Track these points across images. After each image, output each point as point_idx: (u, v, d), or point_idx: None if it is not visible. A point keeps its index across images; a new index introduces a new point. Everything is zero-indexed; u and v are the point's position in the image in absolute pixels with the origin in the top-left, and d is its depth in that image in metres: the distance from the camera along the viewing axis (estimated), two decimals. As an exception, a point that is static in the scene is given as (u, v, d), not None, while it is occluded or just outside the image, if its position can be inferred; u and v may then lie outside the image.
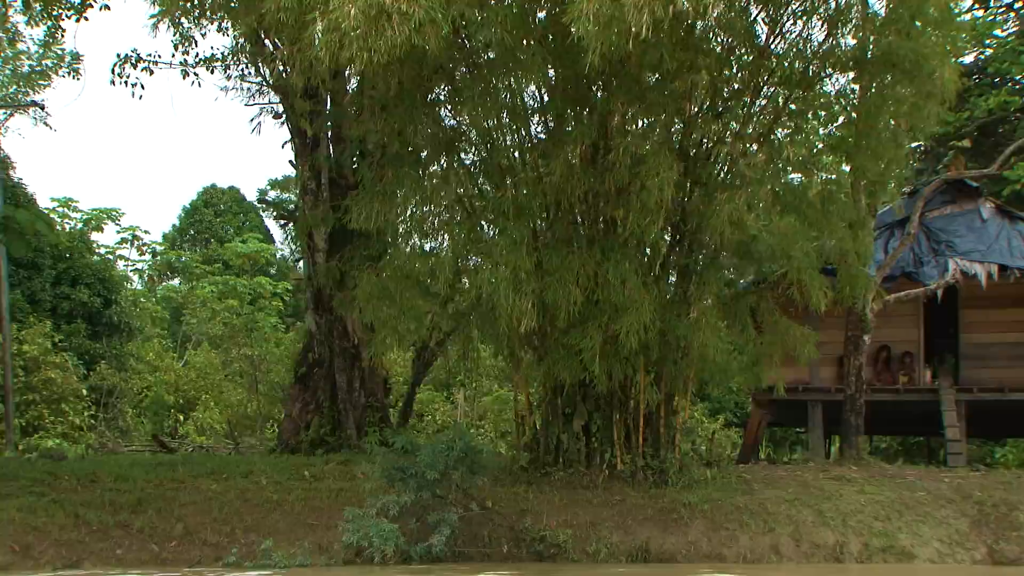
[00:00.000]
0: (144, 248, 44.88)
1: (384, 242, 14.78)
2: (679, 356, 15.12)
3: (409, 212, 13.97)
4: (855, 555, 14.67)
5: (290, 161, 18.32)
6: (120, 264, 43.28)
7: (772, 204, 14.73)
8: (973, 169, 21.83)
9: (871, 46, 14.38)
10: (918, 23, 14.07)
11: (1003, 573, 14.18)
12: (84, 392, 28.02)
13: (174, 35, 16.97)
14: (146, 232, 44.94)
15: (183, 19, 15.51)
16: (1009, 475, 16.94)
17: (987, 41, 28.61)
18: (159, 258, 45.89)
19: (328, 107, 18.14)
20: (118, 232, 43.67)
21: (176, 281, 45.87)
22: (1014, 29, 28.86)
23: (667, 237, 15.27)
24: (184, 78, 19.44)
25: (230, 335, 35.53)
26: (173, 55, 18.96)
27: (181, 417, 32.68)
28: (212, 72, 18.45)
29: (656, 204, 13.66)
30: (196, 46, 18.32)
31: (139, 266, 45.19)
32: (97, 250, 41.68)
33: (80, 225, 39.66)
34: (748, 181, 13.97)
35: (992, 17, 28.99)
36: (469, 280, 14.40)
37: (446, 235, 14.59)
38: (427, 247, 14.89)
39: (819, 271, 15.10)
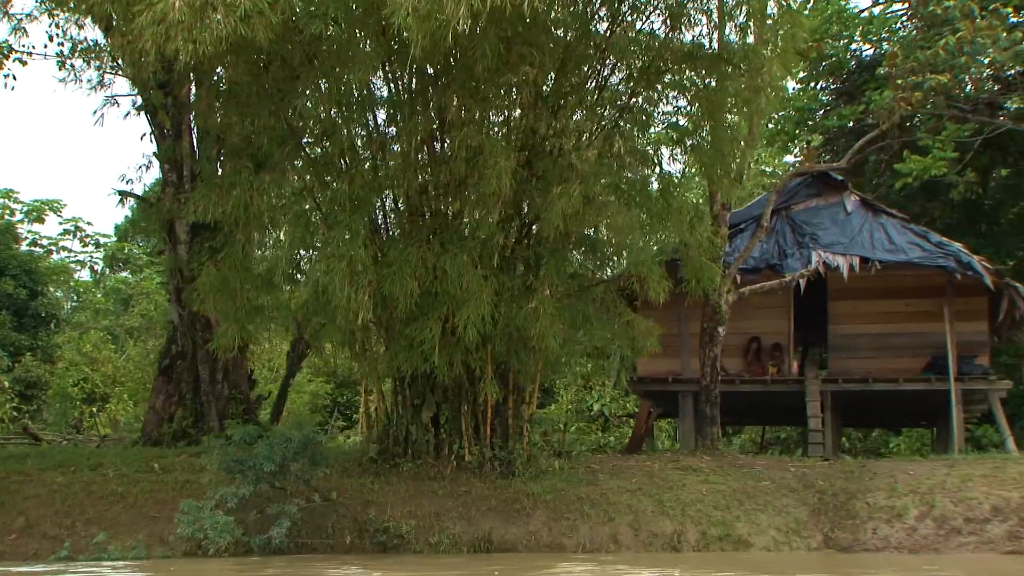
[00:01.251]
0: (87, 239, 44.59)
1: (225, 235, 14.77)
2: (523, 348, 15.19)
3: (245, 204, 13.92)
4: (692, 544, 14.88)
5: (153, 153, 18.24)
6: (62, 255, 43.18)
7: (611, 198, 14.83)
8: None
9: (706, 41, 14.52)
10: (751, 20, 14.23)
11: (832, 560, 14.41)
12: (7, 384, 27.86)
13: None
14: (89, 223, 44.75)
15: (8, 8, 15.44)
16: (854, 464, 17.21)
17: (884, 35, 28.99)
18: (103, 250, 45.58)
19: (191, 99, 18.06)
20: (60, 224, 43.47)
21: (127, 273, 45.64)
22: (910, 24, 29.24)
23: (506, 230, 15.32)
24: (60, 69, 19.29)
25: (147, 327, 35.50)
26: (46, 45, 18.84)
27: (94, 410, 32.44)
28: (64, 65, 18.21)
29: (492, 197, 13.78)
30: (27, 36, 18.12)
31: (80, 257, 44.87)
32: (40, 241, 41.59)
33: (21, 216, 39.49)
34: (581, 175, 14.03)
35: (889, 11, 29.33)
36: (307, 273, 14.42)
37: (284, 228, 14.58)
38: (267, 240, 14.88)
39: (666, 264, 15.28)
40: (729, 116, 15.08)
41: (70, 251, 43.93)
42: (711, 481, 16.14)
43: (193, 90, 17.63)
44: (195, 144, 18.19)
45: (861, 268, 19.12)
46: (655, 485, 15.90)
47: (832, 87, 29.75)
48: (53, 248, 42.55)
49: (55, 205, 41.85)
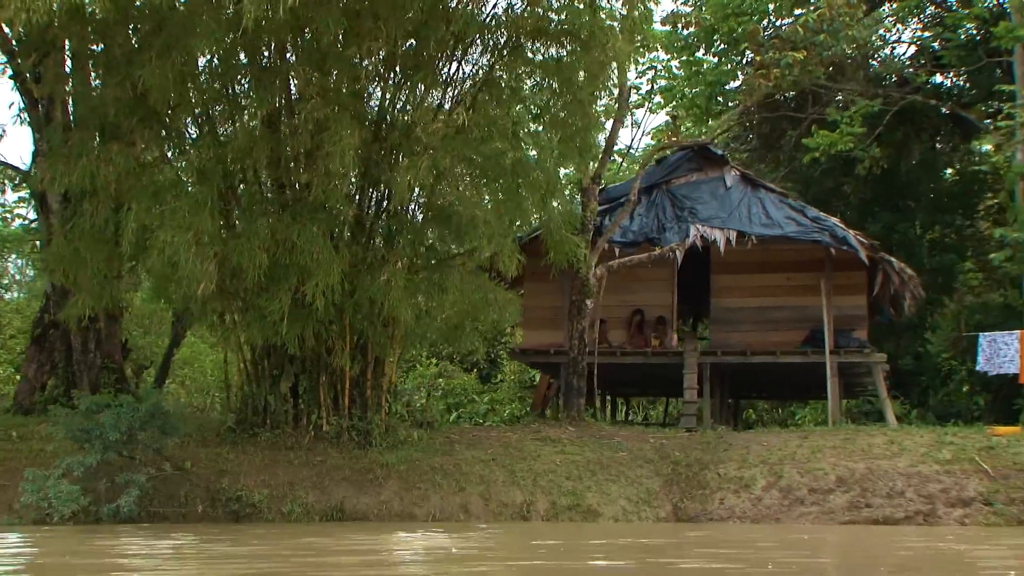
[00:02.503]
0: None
1: (73, 206, 14.76)
2: (378, 320, 15.30)
3: (91, 175, 13.92)
4: (541, 513, 15.07)
5: (27, 122, 18.14)
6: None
7: (464, 171, 14.91)
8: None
9: (555, 16, 14.58)
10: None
11: (671, 529, 14.60)
12: None
13: None
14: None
15: None
16: (712, 436, 17.41)
17: (797, 11, 29.05)
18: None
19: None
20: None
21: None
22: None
23: (360, 202, 15.39)
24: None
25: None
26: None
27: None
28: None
29: (339, 169, 13.82)
30: None
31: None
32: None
33: None
34: (430, 148, 14.10)
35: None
36: (154, 243, 14.43)
37: (132, 198, 14.56)
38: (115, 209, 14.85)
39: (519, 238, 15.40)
40: (583, 91, 15.08)
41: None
42: (567, 452, 16.33)
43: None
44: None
45: (738, 242, 19.31)
46: (510, 456, 16.08)
47: (745, 61, 29.84)
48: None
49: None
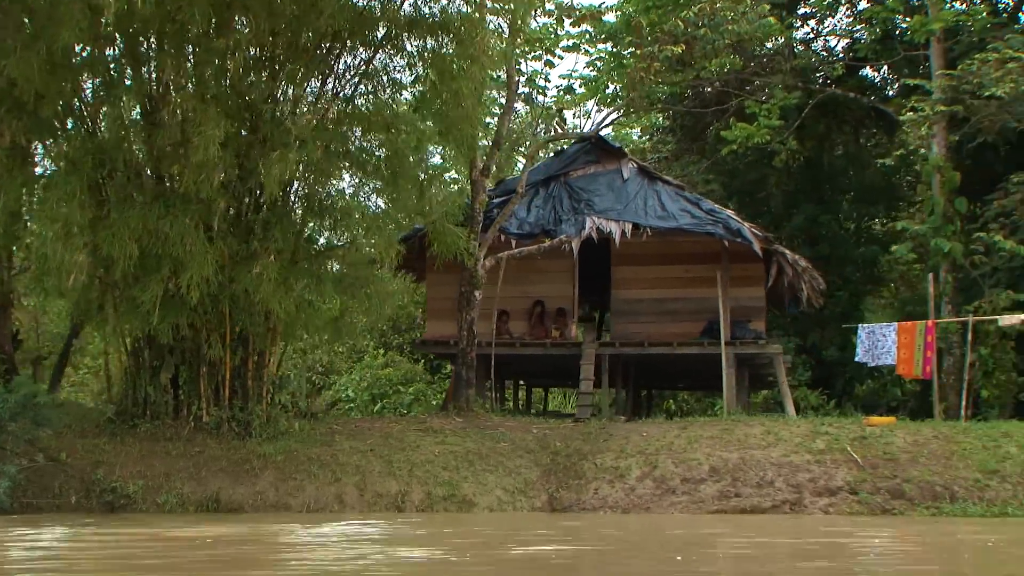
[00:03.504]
0: None
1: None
2: (255, 312, 15.34)
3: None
4: (416, 503, 15.16)
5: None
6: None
7: (340, 163, 14.96)
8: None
9: (427, 9, 14.66)
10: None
11: (540, 518, 14.72)
12: None
13: None
14: None
15: None
16: (594, 426, 17.55)
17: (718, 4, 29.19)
18: None
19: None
20: None
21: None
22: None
23: (235, 193, 15.40)
24: None
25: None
26: None
27: None
28: None
29: (209, 161, 13.85)
30: None
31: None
32: None
33: None
34: (300, 139, 14.15)
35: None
36: (23, 234, 14.43)
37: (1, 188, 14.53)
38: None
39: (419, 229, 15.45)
40: (459, 83, 15.15)
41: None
42: (447, 442, 16.43)
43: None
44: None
45: (633, 234, 19.44)
46: (389, 446, 16.15)
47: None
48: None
49: None
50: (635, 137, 37.53)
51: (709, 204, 19.87)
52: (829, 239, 31.26)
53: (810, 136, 30.35)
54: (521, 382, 27.19)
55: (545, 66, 29.51)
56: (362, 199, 15.23)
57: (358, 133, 15.35)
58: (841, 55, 31.03)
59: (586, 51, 24.82)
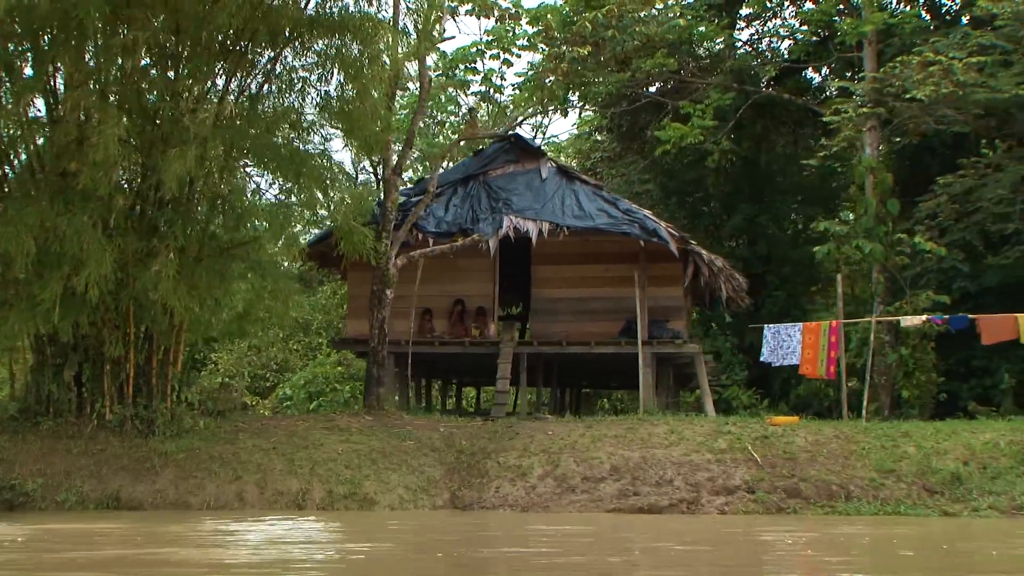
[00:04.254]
0: None
1: None
2: (158, 310, 15.30)
3: None
4: (317, 501, 15.19)
5: None
6: None
7: (242, 160, 14.96)
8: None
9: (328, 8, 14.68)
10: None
11: (438, 517, 14.76)
12: None
13: None
14: None
15: None
16: (501, 425, 17.63)
17: (658, 6, 29.34)
18: None
19: None
20: None
21: None
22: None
23: (137, 191, 15.38)
24: None
25: None
26: None
27: None
28: None
29: (108, 159, 13.81)
30: None
31: None
32: None
33: None
34: (199, 137, 14.14)
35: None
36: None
37: None
38: None
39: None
40: (362, 82, 15.19)
41: None
42: (352, 441, 16.46)
43: None
44: None
45: (550, 233, 19.53)
46: (292, 444, 16.17)
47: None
48: None
49: None
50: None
51: (626, 204, 19.98)
52: (767, 239, 31.50)
53: (748, 137, 30.54)
54: (455, 381, 27.27)
55: (503, 64, 29.71)
56: (267, 197, 15.17)
57: (262, 131, 15.26)
58: (786, 56, 31.29)
59: (542, 50, 24.82)
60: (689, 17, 28.29)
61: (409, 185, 21.40)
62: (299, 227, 15.71)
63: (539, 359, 20.98)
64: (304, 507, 15.10)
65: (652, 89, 29.67)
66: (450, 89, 32.71)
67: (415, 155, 28.40)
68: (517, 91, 27.09)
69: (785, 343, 18.36)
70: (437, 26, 17.70)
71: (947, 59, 21.90)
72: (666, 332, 20.09)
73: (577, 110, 31.55)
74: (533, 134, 41.45)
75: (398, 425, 17.39)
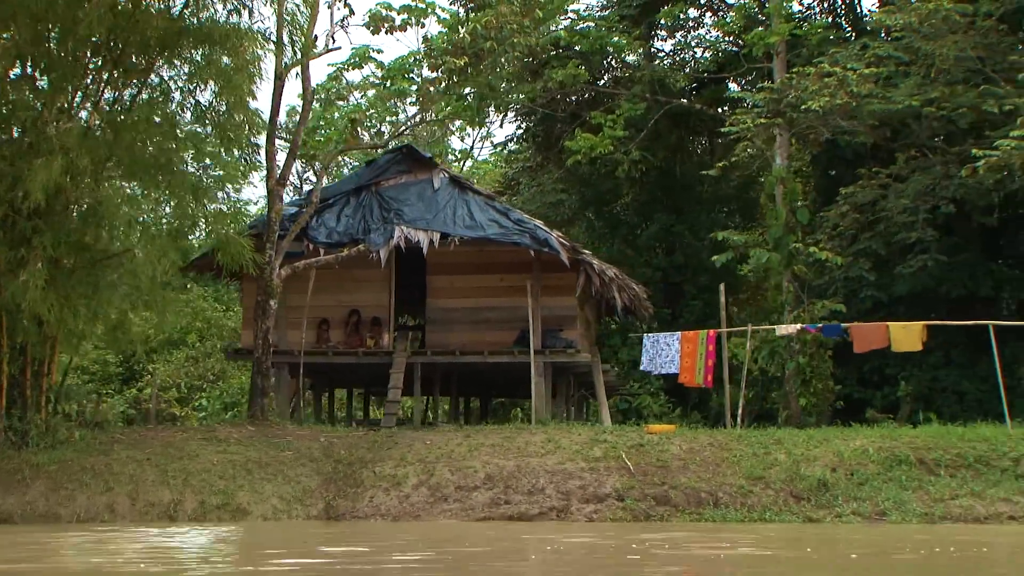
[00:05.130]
0: None
1: None
2: (30, 320, 15.22)
3: None
4: (189, 512, 15.16)
5: None
6: None
7: (111, 171, 14.92)
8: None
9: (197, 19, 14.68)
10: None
11: (306, 527, 14.76)
12: None
13: None
14: None
15: None
16: (382, 435, 17.68)
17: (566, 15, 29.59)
18: None
19: None
20: None
21: None
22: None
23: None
24: None
25: None
26: None
27: None
28: None
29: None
30: None
31: None
32: None
33: None
34: (65, 147, 14.09)
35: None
36: None
37: None
38: None
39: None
40: (232, 92, 15.21)
41: None
42: (229, 451, 16.43)
43: None
44: None
45: (441, 243, 19.61)
46: (167, 455, 16.11)
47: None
48: None
49: None
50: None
51: (517, 214, 20.09)
52: (684, 248, 31.79)
53: (663, 147, 30.84)
54: (363, 392, 27.30)
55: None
56: (141, 207, 15.11)
57: (133, 141, 15.23)
58: (702, 67, 31.66)
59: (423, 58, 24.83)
60: (603, 28, 28.68)
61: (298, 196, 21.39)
62: (170, 237, 15.47)
63: (436, 369, 21.04)
64: (176, 518, 15.07)
65: (577, 98, 29.97)
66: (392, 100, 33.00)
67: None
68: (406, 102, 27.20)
69: (664, 352, 18.54)
70: (322, 38, 17.77)
71: (843, 70, 22.23)
72: (559, 341, 20.21)
73: (499, 124, 31.77)
74: (459, 158, 41.87)
75: (279, 435, 17.37)
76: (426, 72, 20.62)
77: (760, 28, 26.85)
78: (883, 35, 25.32)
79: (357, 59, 29.02)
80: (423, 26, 19.04)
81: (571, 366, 21.32)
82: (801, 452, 16.16)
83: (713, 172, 24.88)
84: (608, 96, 29.83)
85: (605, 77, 30.62)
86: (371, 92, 33.56)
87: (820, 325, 19.98)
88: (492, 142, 36.34)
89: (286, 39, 16.80)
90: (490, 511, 15.21)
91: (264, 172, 18.44)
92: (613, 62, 30.84)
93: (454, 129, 35.29)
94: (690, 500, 15.29)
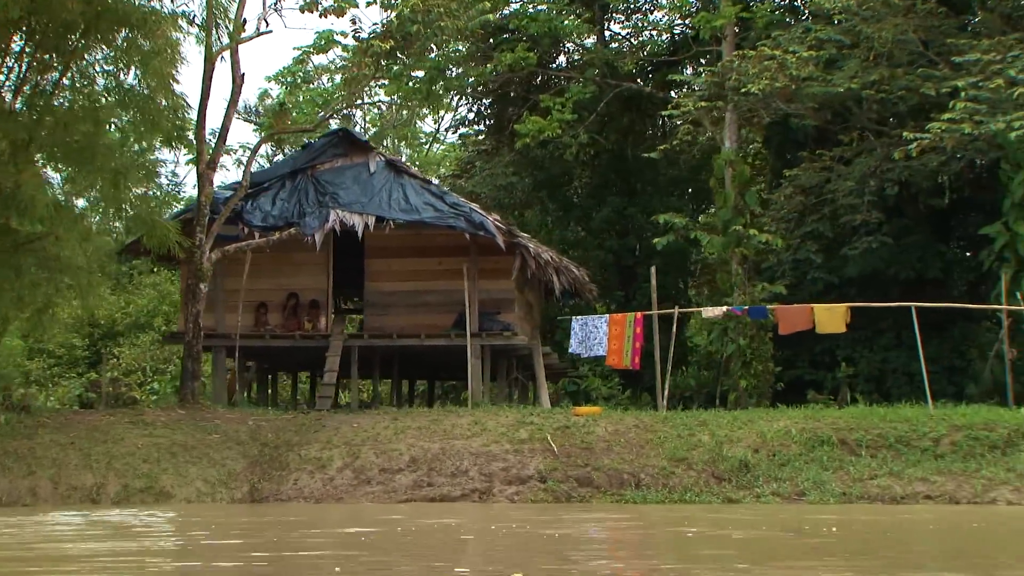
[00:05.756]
0: None
1: None
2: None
3: None
4: (112, 496, 15.20)
5: None
6: None
7: (27, 155, 14.87)
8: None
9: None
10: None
11: (227, 509, 14.80)
12: None
13: None
14: None
15: None
16: (310, 418, 17.72)
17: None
18: None
19: None
20: None
21: None
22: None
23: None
24: None
25: None
26: None
27: None
28: None
29: None
30: None
31: None
32: None
33: None
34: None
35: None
36: None
37: None
38: None
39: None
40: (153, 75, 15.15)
41: None
42: (155, 435, 16.44)
43: None
44: None
45: (376, 227, 19.61)
46: (92, 439, 16.11)
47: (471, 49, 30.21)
48: None
49: None
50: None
51: (453, 198, 20.09)
52: (637, 231, 31.82)
53: (614, 130, 30.88)
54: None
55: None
56: (65, 192, 15.06)
57: (54, 125, 15.18)
58: (654, 50, 31.68)
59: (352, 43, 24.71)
60: (553, 11, 28.68)
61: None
62: (97, 221, 15.44)
63: (376, 352, 21.06)
64: (99, 501, 15.13)
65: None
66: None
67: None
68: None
69: (592, 334, 18.61)
70: (253, 22, 17.70)
71: (782, 53, 22.28)
72: (496, 324, 20.26)
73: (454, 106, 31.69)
74: (426, 141, 41.86)
75: (208, 419, 17.39)
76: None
77: (705, 12, 26.91)
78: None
79: (323, 42, 29.09)
80: (355, 6, 18.90)
81: (511, 349, 21.38)
82: (725, 434, 16.27)
83: (655, 155, 24.94)
84: (560, 79, 29.83)
85: (560, 60, 30.63)
86: (338, 77, 33.68)
87: (746, 308, 20.04)
88: (445, 127, 35.83)
89: (211, 22, 16.71)
90: (412, 493, 15.28)
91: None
92: (565, 45, 30.80)
93: (426, 113, 35.33)
94: (612, 481, 15.40)
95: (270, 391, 24.19)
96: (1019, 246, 21.39)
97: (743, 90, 22.57)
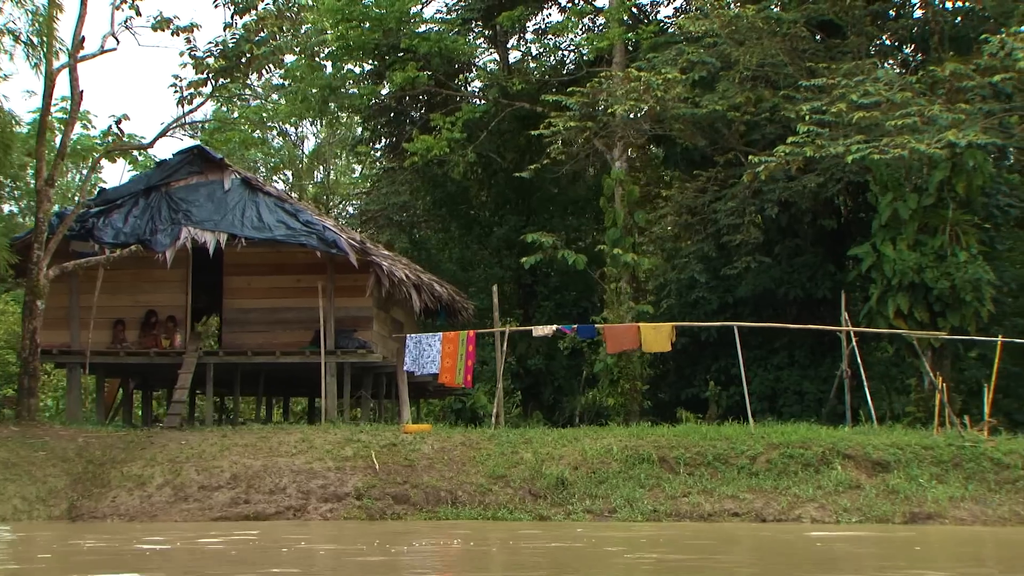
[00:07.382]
0: None
1: None
2: None
3: None
4: (-76, 513, 15.09)
5: None
6: None
7: None
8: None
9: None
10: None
11: (38, 526, 14.76)
12: None
13: None
14: None
15: None
16: (140, 435, 17.72)
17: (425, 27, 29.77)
18: None
19: None
20: None
21: None
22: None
23: None
24: None
25: None
26: None
27: None
28: None
29: None
30: None
31: None
32: None
33: None
34: None
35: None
36: None
37: None
38: None
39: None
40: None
41: None
42: (-17, 454, 16.37)
43: None
44: None
45: (228, 244, 19.66)
46: (-88, 456, 16.03)
47: (366, 67, 30.37)
48: None
49: None
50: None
51: (307, 216, 20.15)
52: (534, 250, 31.89)
53: (511, 148, 31.03)
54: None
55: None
56: None
57: None
58: (557, 70, 31.88)
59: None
60: (444, 31, 28.88)
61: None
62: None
63: (236, 370, 21.07)
64: (-89, 519, 15.01)
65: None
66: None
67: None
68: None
69: (426, 352, 18.73)
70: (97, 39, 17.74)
71: (649, 75, 22.51)
72: (353, 342, 20.32)
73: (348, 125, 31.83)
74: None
75: (39, 435, 17.34)
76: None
77: (591, 32, 27.20)
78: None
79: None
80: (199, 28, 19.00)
81: (371, 367, 21.44)
82: (548, 451, 16.42)
83: (526, 174, 25.06)
84: (456, 99, 30.00)
85: (457, 79, 30.80)
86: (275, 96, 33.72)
87: (575, 326, 20.23)
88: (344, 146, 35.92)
89: (36, 40, 16.76)
90: (228, 510, 15.31)
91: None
92: (461, 66, 30.95)
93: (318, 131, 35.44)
94: (429, 499, 15.51)
95: (140, 410, 24.13)
96: (885, 267, 21.66)
97: (609, 111, 22.80)
